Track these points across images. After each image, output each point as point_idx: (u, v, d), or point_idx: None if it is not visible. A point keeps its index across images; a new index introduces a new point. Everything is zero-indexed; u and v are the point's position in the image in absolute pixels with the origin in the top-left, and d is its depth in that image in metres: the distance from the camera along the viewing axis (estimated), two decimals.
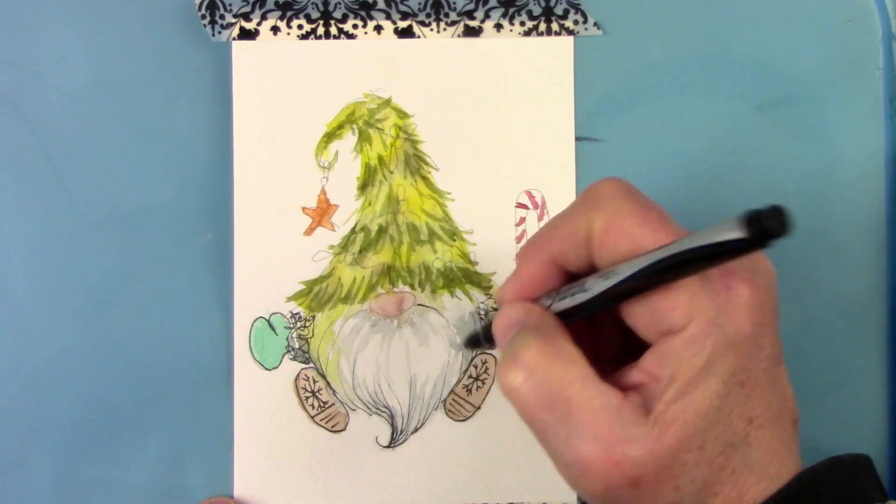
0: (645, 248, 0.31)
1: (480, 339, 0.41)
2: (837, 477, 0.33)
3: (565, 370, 0.32)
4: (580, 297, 0.33)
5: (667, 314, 0.31)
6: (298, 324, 0.44)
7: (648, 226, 0.32)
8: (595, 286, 0.32)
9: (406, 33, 0.44)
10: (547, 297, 0.35)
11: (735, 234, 0.28)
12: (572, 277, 0.35)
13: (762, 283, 0.32)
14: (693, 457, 0.31)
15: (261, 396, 0.43)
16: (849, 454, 0.34)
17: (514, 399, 0.33)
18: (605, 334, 0.37)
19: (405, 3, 0.44)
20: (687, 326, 0.31)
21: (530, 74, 0.44)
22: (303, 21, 0.44)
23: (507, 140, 0.44)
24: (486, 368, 0.44)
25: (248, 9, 0.44)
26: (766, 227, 0.27)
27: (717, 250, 0.29)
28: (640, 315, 0.32)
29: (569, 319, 0.35)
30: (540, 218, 0.44)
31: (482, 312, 0.44)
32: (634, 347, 0.33)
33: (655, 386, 0.31)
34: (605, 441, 0.31)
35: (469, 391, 0.44)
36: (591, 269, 0.34)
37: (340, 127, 0.44)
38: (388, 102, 0.44)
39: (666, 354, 0.31)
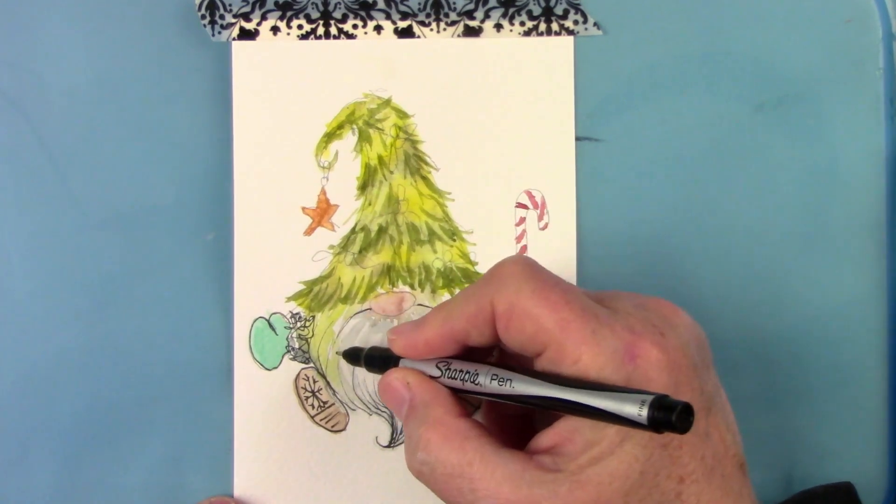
0: (548, 329, 0.32)
1: (360, 360, 0.41)
2: None
3: (462, 451, 0.33)
4: (470, 387, 0.34)
5: None
6: (298, 324, 0.44)
7: (550, 305, 0.32)
8: (487, 385, 0.33)
9: (406, 33, 0.44)
10: (436, 367, 0.36)
11: (635, 413, 0.29)
12: (470, 348, 0.36)
13: (674, 341, 0.32)
14: None
15: (261, 396, 0.43)
16: (823, 485, 0.34)
17: (428, 486, 0.34)
18: None
19: (405, 3, 0.44)
20: None
21: (530, 74, 0.44)
22: (303, 21, 0.44)
23: (507, 140, 0.44)
24: None
25: (248, 9, 0.44)
26: (668, 421, 0.28)
27: (612, 417, 0.29)
28: None
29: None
30: (540, 218, 0.44)
31: None
32: None
33: (570, 447, 0.31)
34: None
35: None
36: (495, 344, 0.35)
37: (340, 127, 0.44)
38: (388, 102, 0.44)
39: (581, 422, 0.31)
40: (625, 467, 0.31)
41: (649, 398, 0.29)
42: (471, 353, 0.36)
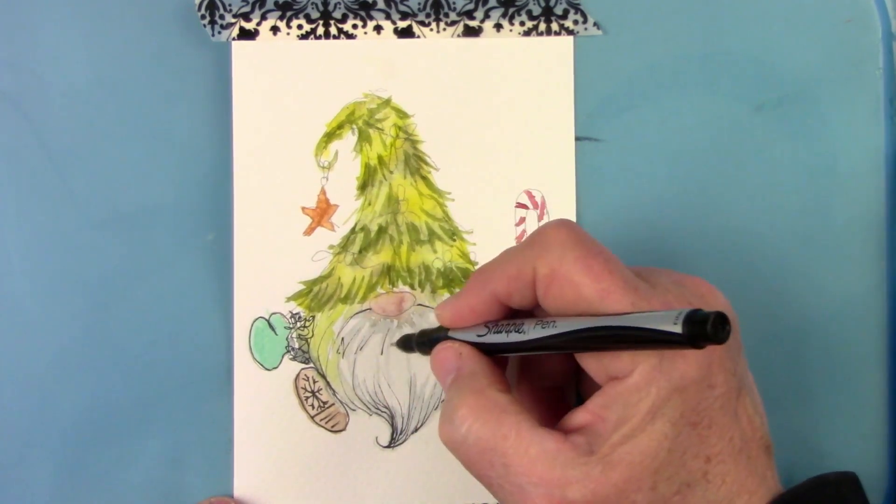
0: (588, 297, 0.32)
1: (413, 346, 0.41)
2: (822, 498, 0.33)
3: (498, 424, 0.32)
4: (515, 337, 0.34)
5: (612, 362, 0.32)
6: (298, 324, 0.44)
7: (592, 274, 0.32)
8: (531, 331, 0.33)
9: (406, 33, 0.44)
10: (483, 326, 0.36)
11: (672, 329, 0.29)
12: (514, 312, 0.36)
13: None
14: (644, 497, 0.31)
15: (261, 396, 0.43)
16: (835, 472, 0.34)
17: (458, 457, 0.34)
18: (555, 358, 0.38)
19: (405, 3, 0.44)
20: (632, 373, 0.31)
21: (530, 74, 0.44)
22: (302, 21, 0.44)
23: (507, 140, 0.44)
24: None
25: (247, 9, 0.44)
26: (703, 332, 0.28)
27: (651, 338, 0.29)
28: (588, 361, 0.33)
29: (504, 354, 0.35)
30: (540, 218, 0.44)
31: None
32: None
33: (602, 427, 0.31)
34: (544, 487, 0.31)
35: None
36: (535, 308, 0.35)
37: (340, 127, 0.44)
38: (387, 102, 0.44)
39: (612, 399, 0.31)
40: (654, 445, 0.31)
41: (683, 312, 0.28)
42: (516, 316, 0.36)
